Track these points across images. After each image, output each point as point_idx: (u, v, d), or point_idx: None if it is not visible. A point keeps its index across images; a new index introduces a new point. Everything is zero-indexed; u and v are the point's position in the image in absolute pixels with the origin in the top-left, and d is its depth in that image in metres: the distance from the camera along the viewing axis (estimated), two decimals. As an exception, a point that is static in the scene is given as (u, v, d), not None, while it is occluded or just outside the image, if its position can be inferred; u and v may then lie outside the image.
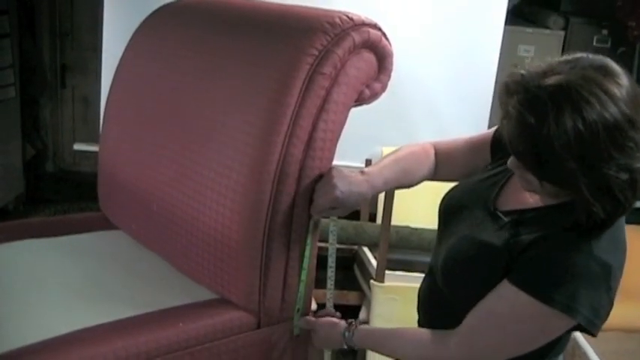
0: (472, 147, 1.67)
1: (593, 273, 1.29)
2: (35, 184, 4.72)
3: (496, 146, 1.57)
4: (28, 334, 1.51)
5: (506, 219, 1.42)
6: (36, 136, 4.70)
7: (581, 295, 1.27)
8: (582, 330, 1.34)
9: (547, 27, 4.05)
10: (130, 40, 2.11)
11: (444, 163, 1.70)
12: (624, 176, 1.22)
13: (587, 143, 1.19)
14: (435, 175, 1.71)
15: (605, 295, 1.31)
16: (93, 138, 3.85)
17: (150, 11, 2.12)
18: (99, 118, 3.13)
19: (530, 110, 1.22)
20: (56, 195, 4.65)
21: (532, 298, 1.30)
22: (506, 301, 1.35)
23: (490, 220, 1.45)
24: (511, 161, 1.34)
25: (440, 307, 1.51)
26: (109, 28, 3.41)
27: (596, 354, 2.76)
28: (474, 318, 1.40)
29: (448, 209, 1.59)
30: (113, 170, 2.07)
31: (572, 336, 2.90)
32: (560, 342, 1.46)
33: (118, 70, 2.12)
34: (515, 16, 4.07)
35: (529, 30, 3.98)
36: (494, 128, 1.62)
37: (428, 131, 3.48)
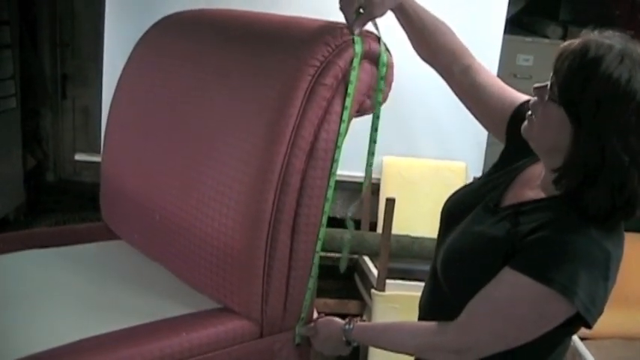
0: (499, 97, 1.61)
1: (593, 257, 1.29)
2: (36, 194, 4.72)
3: (516, 121, 1.51)
4: (31, 344, 1.51)
5: (506, 212, 1.43)
6: (37, 146, 4.71)
7: (579, 278, 1.27)
8: (579, 322, 1.32)
9: (546, 36, 4.07)
10: (132, 52, 2.12)
11: (473, 83, 1.63)
12: (625, 158, 1.25)
13: (615, 99, 1.24)
14: (454, 79, 1.65)
15: (602, 284, 1.30)
16: (93, 148, 3.86)
17: (151, 22, 2.13)
18: (100, 129, 3.15)
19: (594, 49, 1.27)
20: (57, 205, 4.65)
21: (531, 280, 1.29)
22: (505, 285, 1.34)
23: (490, 215, 1.45)
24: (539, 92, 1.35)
25: (441, 311, 1.51)
26: (110, 38, 3.42)
27: (597, 362, 2.77)
28: (472, 305, 1.39)
29: (450, 212, 1.60)
30: (115, 180, 2.08)
31: (572, 343, 2.92)
32: (558, 348, 1.46)
33: (120, 82, 2.13)
34: (514, 25, 4.08)
35: (528, 39, 4.00)
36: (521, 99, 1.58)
37: (428, 141, 3.49)
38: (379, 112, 1.70)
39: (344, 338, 1.61)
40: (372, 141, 1.71)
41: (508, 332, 1.37)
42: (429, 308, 1.61)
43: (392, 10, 1.59)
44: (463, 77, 1.63)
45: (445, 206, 1.63)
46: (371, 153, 1.73)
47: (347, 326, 1.61)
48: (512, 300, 1.34)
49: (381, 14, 1.59)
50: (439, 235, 1.61)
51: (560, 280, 1.27)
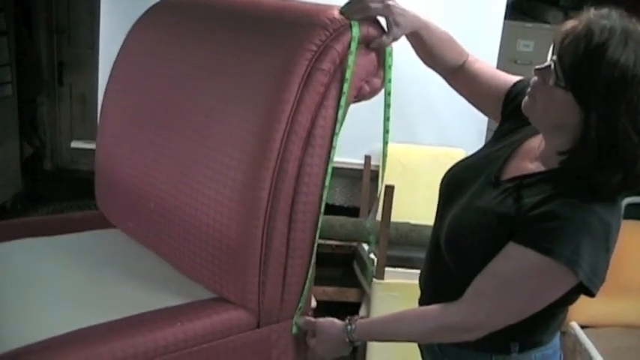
0: (492, 80, 1.69)
1: (595, 229, 1.33)
2: (33, 182, 4.70)
3: (510, 99, 1.61)
4: (25, 335, 1.50)
5: (508, 185, 1.45)
6: (33, 134, 4.69)
7: (583, 250, 1.31)
8: (582, 291, 1.37)
9: (546, 22, 4.04)
10: (127, 36, 2.09)
11: (467, 75, 1.72)
12: (635, 137, 1.29)
13: (624, 83, 1.27)
14: (452, 76, 1.74)
15: (603, 255, 1.34)
16: (91, 136, 3.81)
17: (147, 7, 2.11)
18: (97, 116, 3.13)
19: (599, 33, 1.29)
20: (54, 193, 4.63)
21: (537, 253, 1.33)
22: (511, 260, 1.38)
23: (492, 189, 1.48)
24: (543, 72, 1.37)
25: (445, 285, 1.52)
26: (106, 24, 3.39)
27: (597, 350, 2.76)
28: (479, 281, 1.42)
29: (450, 186, 1.61)
30: (110, 168, 2.06)
31: (573, 332, 2.91)
32: (559, 317, 1.51)
33: (115, 67, 2.11)
34: (515, 10, 4.05)
35: (528, 25, 3.97)
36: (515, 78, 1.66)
37: (427, 127, 3.47)
38: (390, 89, 1.72)
39: (347, 339, 1.60)
40: (386, 119, 1.76)
41: (517, 306, 1.40)
42: (432, 283, 1.62)
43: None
44: (460, 73, 1.71)
45: (444, 180, 1.64)
46: (386, 130, 1.78)
47: (349, 327, 1.60)
48: (520, 274, 1.37)
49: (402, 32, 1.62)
50: (438, 209, 1.62)
51: (564, 253, 1.31)
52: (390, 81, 1.69)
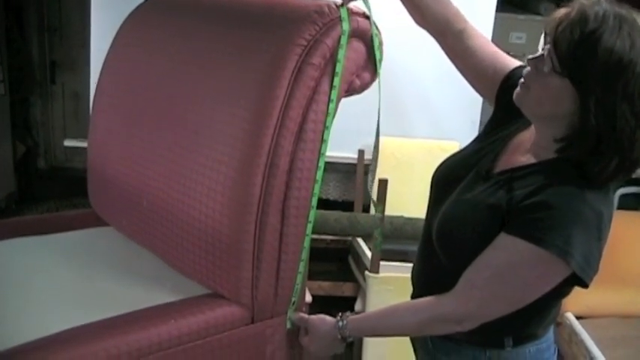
0: (491, 61, 1.64)
1: (587, 219, 1.32)
2: (27, 181, 4.68)
3: (507, 86, 1.55)
4: (18, 334, 1.50)
5: (499, 178, 1.45)
6: (26, 133, 4.67)
7: (574, 240, 1.30)
8: (575, 282, 1.36)
9: (538, 13, 4.03)
10: (117, 34, 2.09)
11: (466, 48, 1.65)
12: (632, 121, 1.29)
13: (621, 68, 1.27)
14: (445, 40, 1.66)
15: (596, 244, 1.34)
16: (84, 134, 3.79)
17: (137, 4, 2.10)
18: (89, 114, 3.12)
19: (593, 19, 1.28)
20: (48, 192, 4.62)
21: (529, 244, 1.32)
22: (503, 251, 1.37)
23: (482, 182, 1.47)
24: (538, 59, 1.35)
25: (437, 280, 1.51)
26: (97, 23, 3.37)
27: (593, 340, 2.76)
28: (470, 272, 1.41)
29: (441, 180, 1.60)
30: (102, 166, 2.05)
31: (568, 322, 2.91)
32: (552, 310, 1.50)
33: (106, 64, 2.10)
34: (507, 3, 4.05)
35: (521, 17, 3.96)
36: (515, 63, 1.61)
37: (421, 121, 3.47)
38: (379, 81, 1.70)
39: (339, 336, 1.59)
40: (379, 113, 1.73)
41: (508, 296, 1.40)
42: (424, 278, 1.61)
43: None
44: (456, 42, 1.64)
45: (436, 174, 1.63)
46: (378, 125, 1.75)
47: (340, 323, 1.59)
48: (511, 264, 1.36)
49: None
50: (430, 203, 1.61)
51: (556, 243, 1.30)
52: (379, 61, 1.67)
